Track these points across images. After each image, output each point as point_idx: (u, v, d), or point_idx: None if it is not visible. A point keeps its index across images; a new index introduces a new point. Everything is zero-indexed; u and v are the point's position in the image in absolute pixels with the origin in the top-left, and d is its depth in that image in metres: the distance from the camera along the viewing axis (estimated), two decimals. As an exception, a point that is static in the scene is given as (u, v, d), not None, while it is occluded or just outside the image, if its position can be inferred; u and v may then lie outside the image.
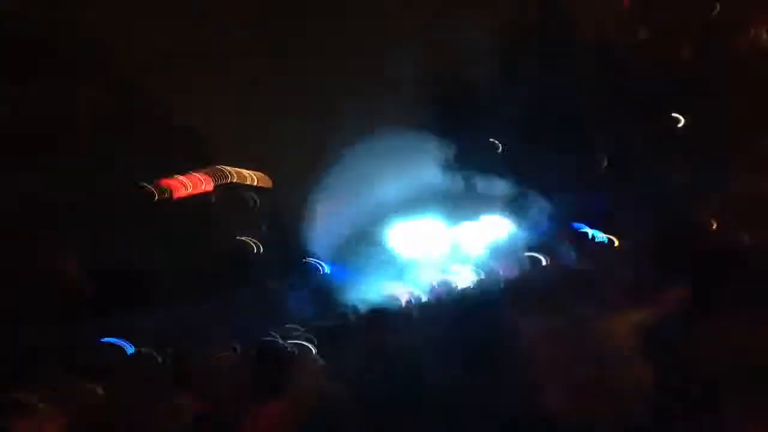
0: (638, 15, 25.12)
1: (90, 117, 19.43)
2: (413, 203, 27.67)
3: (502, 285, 10.86)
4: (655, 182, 17.71)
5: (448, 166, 21.60)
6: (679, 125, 19.37)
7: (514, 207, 22.41)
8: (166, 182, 26.34)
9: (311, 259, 27.97)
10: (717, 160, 17.90)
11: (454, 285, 23.14)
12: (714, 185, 17.93)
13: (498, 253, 26.74)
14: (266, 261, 29.95)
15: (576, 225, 20.88)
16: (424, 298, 16.60)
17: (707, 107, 18.06)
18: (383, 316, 4.92)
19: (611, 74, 18.21)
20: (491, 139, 20.62)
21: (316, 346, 6.37)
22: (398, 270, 28.83)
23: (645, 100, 18.03)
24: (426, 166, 22.01)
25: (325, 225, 28.16)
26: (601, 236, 19.51)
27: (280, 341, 4.23)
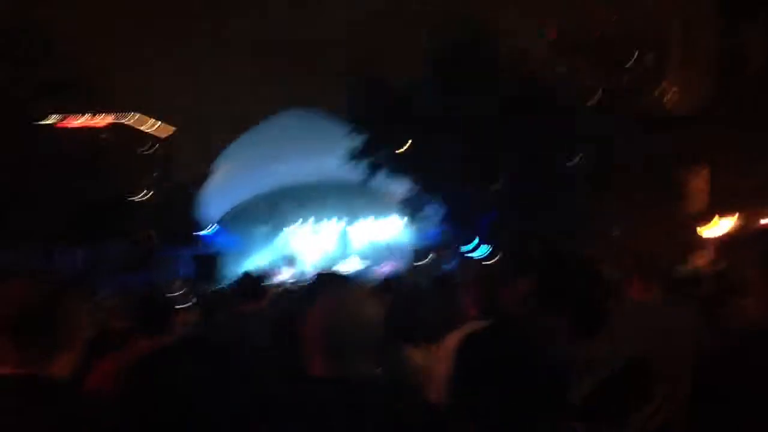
0: (563, 49, 26.27)
1: None
2: (313, 189, 27.92)
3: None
4: (543, 213, 18.63)
5: (354, 158, 21.82)
6: (575, 163, 20.37)
7: (407, 210, 22.91)
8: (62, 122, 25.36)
9: (200, 221, 27.67)
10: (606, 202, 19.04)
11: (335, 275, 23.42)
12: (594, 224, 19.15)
13: (383, 250, 27.42)
14: (153, 212, 29.31)
15: (457, 235, 21.67)
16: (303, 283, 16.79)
17: (606, 151, 19.08)
18: (254, 287, 5.04)
19: (528, 102, 18.88)
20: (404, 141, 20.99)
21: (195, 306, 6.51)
22: (284, 251, 29.00)
23: (552, 134, 18.86)
24: (334, 155, 22.17)
25: (220, 190, 27.90)
26: (480, 251, 20.34)
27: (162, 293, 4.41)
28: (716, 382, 1.85)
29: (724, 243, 18.08)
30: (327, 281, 2.90)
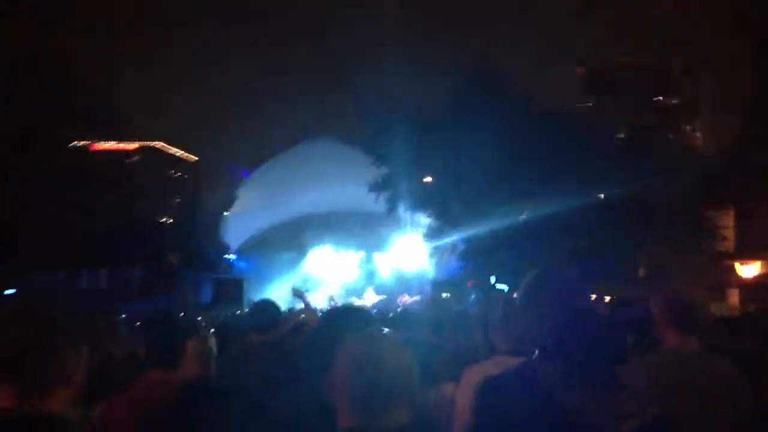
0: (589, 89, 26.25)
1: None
2: (336, 217, 27.93)
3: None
4: (565, 251, 18.41)
5: (376, 188, 21.83)
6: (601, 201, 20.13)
7: (429, 241, 22.77)
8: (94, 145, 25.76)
9: (222, 246, 27.77)
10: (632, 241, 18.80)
11: (351, 304, 23.25)
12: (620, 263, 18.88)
13: (404, 282, 27.23)
14: (176, 236, 29.50)
15: (483, 272, 21.46)
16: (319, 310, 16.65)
17: (633, 191, 18.90)
18: (267, 318, 4.88)
19: (555, 139, 18.81)
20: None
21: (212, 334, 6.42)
22: (304, 277, 28.95)
23: (579, 172, 18.72)
24: (357, 184, 22.21)
25: (243, 216, 28.02)
26: (504, 288, 20.08)
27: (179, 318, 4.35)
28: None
29: (755, 286, 17.79)
30: (346, 318, 2.80)
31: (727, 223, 20.24)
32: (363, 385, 1.78)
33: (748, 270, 19.28)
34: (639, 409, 2.30)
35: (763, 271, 18.79)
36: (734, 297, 18.56)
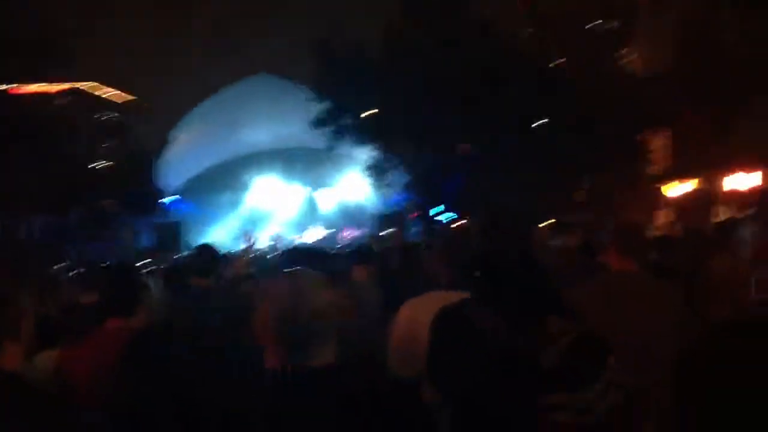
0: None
1: None
2: (277, 154, 27.67)
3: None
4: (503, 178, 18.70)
5: (317, 123, 21.64)
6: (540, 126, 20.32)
7: (372, 175, 22.81)
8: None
9: (161, 188, 27.26)
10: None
11: (294, 241, 23.33)
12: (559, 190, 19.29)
13: (347, 216, 27.37)
14: (112, 180, 28.79)
15: (423, 201, 21.70)
16: (262, 249, 16.54)
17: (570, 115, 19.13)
18: (208, 262, 4.83)
19: (493, 66, 18.79)
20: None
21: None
22: (246, 217, 28.81)
23: (517, 99, 18.82)
24: (298, 121, 21.97)
25: (181, 157, 27.50)
26: (445, 216, 20.42)
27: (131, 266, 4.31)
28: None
29: (690, 205, 18.48)
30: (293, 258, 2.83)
31: (657, 145, 20.82)
32: (284, 324, 1.79)
33: (675, 191, 20.03)
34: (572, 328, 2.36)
35: (691, 191, 19.52)
36: (662, 217, 19.21)
